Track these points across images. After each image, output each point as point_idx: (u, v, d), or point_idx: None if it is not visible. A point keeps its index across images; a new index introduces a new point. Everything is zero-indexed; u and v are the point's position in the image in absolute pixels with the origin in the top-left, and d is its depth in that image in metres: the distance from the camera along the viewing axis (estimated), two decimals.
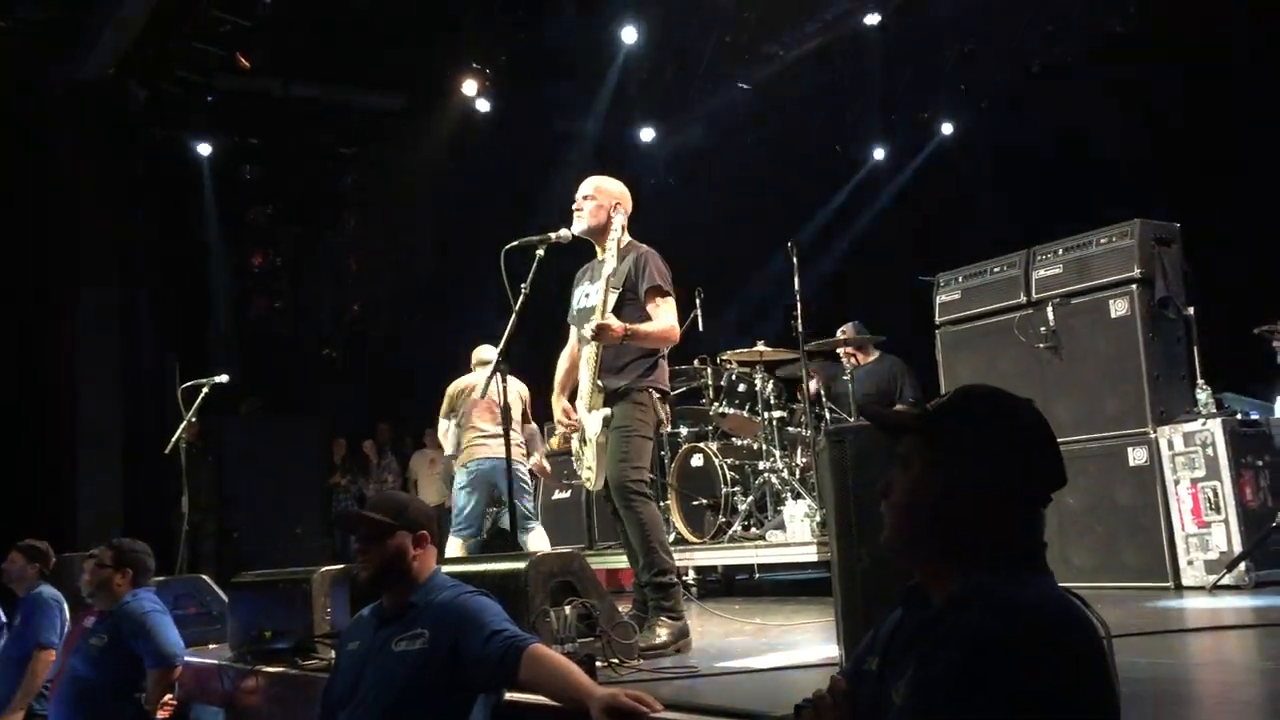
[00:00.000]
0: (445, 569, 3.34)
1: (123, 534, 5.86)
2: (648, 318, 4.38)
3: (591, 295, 4.52)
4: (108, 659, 4.70)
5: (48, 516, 9.07)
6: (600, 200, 4.56)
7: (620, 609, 4.03)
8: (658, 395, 4.44)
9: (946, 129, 12.00)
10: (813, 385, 7.49)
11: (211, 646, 5.69)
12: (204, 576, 6.30)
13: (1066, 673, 1.49)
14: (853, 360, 7.58)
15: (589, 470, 4.41)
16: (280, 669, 4.46)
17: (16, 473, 9.73)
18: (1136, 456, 5.30)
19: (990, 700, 1.45)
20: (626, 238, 4.54)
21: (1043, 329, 5.70)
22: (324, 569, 4.82)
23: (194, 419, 6.43)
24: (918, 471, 1.71)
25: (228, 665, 4.87)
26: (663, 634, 4.16)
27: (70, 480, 9.99)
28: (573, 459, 4.74)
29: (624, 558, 4.80)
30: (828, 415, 7.31)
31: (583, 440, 4.46)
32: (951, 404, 1.75)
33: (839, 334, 7.63)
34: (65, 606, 6.05)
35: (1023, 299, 5.86)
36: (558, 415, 4.64)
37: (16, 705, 5.68)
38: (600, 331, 4.22)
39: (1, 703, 5.93)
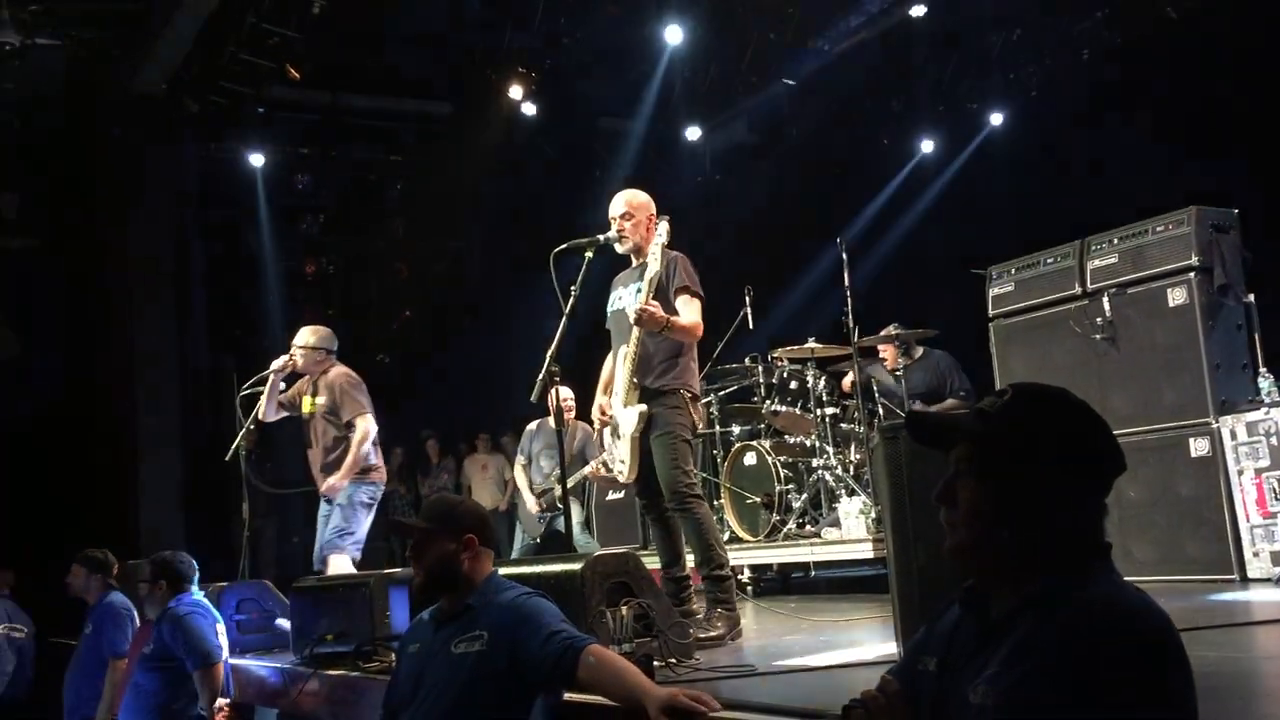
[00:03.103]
0: (502, 570, 3.37)
1: (185, 541, 6.00)
2: (676, 314, 4.62)
3: (625, 297, 4.79)
4: (157, 666, 4.83)
5: (110, 525, 9.25)
6: (638, 216, 4.79)
7: None
8: (689, 396, 4.67)
9: (996, 119, 11.86)
10: (847, 380, 7.46)
11: (274, 650, 5.77)
12: (266, 581, 6.39)
13: (1160, 667, 1.51)
14: (906, 358, 7.52)
15: (622, 464, 4.67)
16: (342, 672, 4.51)
17: (79, 482, 9.92)
18: (1198, 447, 5.21)
19: (1095, 698, 1.46)
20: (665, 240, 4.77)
21: (1099, 320, 5.63)
22: (383, 573, 4.88)
23: (253, 426, 6.51)
24: (988, 480, 1.70)
25: (290, 669, 4.94)
26: (720, 625, 4.44)
27: (131, 489, 10.16)
28: (605, 453, 4.96)
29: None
30: (880, 412, 7.26)
31: (616, 435, 4.71)
32: (1010, 407, 1.73)
33: (881, 334, 7.55)
34: (135, 614, 6.18)
35: (1077, 290, 5.78)
36: (595, 411, 4.89)
37: (101, 716, 5.81)
38: (643, 315, 4.45)
39: (75, 710, 6.08)
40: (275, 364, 6.28)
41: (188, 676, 4.84)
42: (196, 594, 5.23)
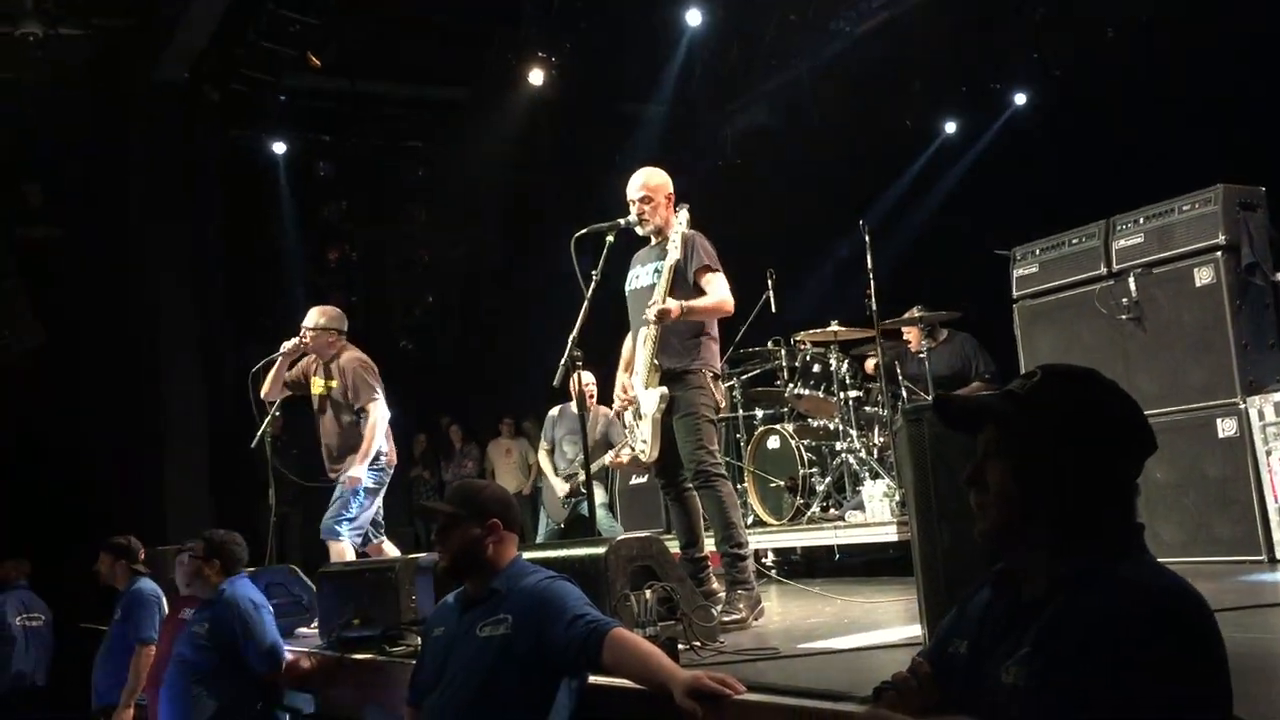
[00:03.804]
0: (526, 555, 3.38)
1: (212, 527, 6.01)
2: (700, 294, 4.64)
3: (642, 277, 4.81)
4: (209, 645, 4.85)
5: (137, 512, 9.33)
6: (656, 199, 4.79)
7: None
8: (711, 376, 4.69)
9: (1019, 99, 11.77)
10: (870, 363, 7.43)
11: (300, 632, 5.81)
12: (293, 566, 6.43)
13: (1193, 647, 1.51)
14: (930, 340, 7.49)
15: (644, 443, 4.68)
16: (368, 656, 4.54)
17: (105, 470, 10.01)
18: (1226, 428, 5.16)
19: (1128, 678, 1.46)
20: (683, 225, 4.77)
21: (1124, 300, 5.58)
22: (408, 557, 4.90)
23: (278, 413, 6.54)
24: (1018, 461, 1.69)
25: (317, 653, 4.97)
26: (742, 608, 4.45)
27: (159, 477, 10.25)
28: (626, 432, 4.99)
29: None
30: (904, 394, 7.24)
31: (637, 415, 4.72)
32: (1040, 388, 1.72)
33: (905, 317, 7.51)
34: (164, 600, 6.24)
35: (1103, 270, 5.72)
36: (617, 391, 4.91)
37: (125, 701, 5.90)
38: (661, 316, 4.50)
39: (105, 695, 6.16)
40: (285, 346, 6.24)
41: (235, 657, 4.86)
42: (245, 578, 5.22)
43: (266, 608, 5.02)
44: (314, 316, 6.30)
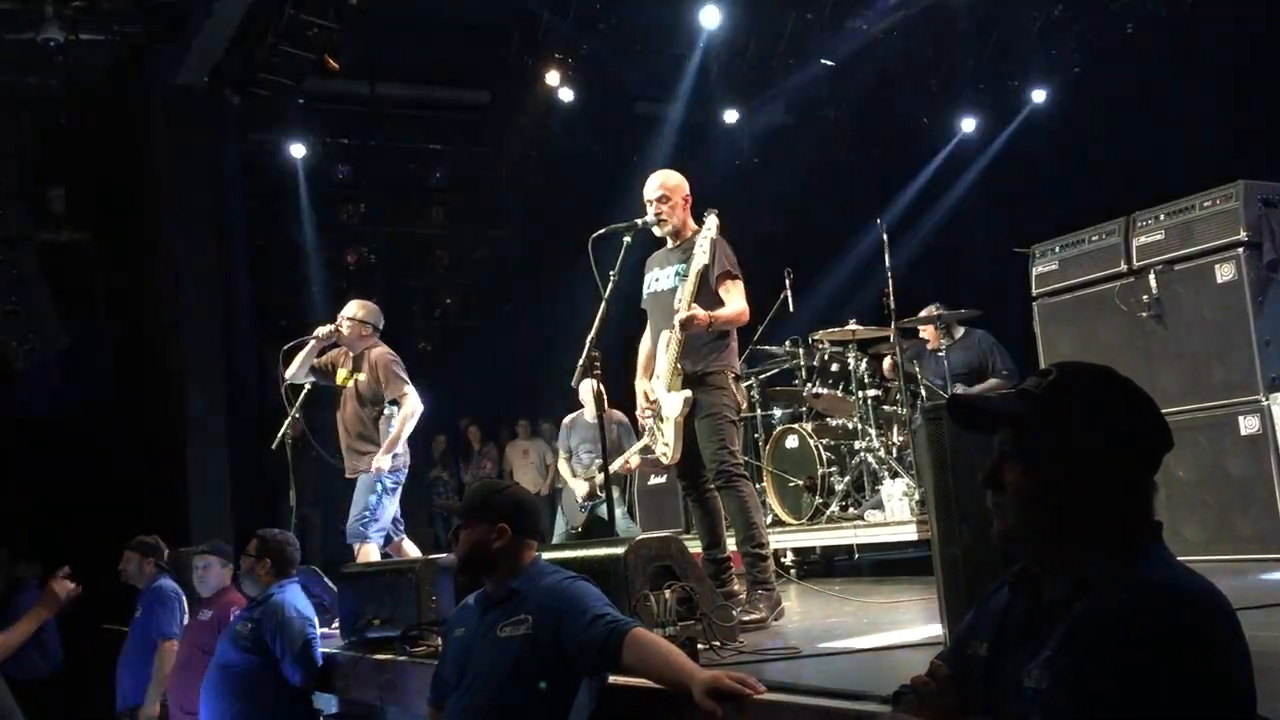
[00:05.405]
0: (545, 555, 3.39)
1: (234, 529, 6.05)
2: (719, 301, 4.64)
3: (663, 280, 4.81)
4: (252, 646, 4.85)
5: (159, 514, 9.36)
6: (674, 199, 4.80)
7: None
8: (732, 377, 4.71)
9: (1038, 96, 11.71)
10: (886, 362, 7.41)
11: (323, 631, 5.83)
12: (314, 568, 6.45)
13: (1215, 647, 1.49)
14: (947, 338, 7.46)
15: (666, 446, 4.69)
16: (390, 656, 4.56)
17: (128, 473, 10.06)
18: (1248, 425, 5.13)
19: (1151, 680, 1.45)
20: (702, 228, 4.74)
21: (1145, 297, 5.54)
22: (429, 558, 4.92)
23: (298, 415, 6.58)
24: (1034, 462, 1.68)
25: (339, 654, 4.99)
26: (762, 608, 4.47)
27: (180, 479, 10.29)
28: (648, 435, 4.97)
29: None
30: (923, 393, 7.22)
31: (660, 418, 4.73)
32: (1055, 387, 1.71)
33: (922, 314, 7.47)
34: (184, 598, 6.28)
35: (1123, 267, 5.69)
36: (639, 398, 4.88)
37: (151, 698, 5.93)
38: (687, 322, 4.49)
39: (131, 695, 6.19)
40: (319, 331, 6.33)
41: (276, 665, 4.86)
42: (296, 582, 5.20)
43: (311, 620, 5.00)
44: (353, 308, 6.41)
